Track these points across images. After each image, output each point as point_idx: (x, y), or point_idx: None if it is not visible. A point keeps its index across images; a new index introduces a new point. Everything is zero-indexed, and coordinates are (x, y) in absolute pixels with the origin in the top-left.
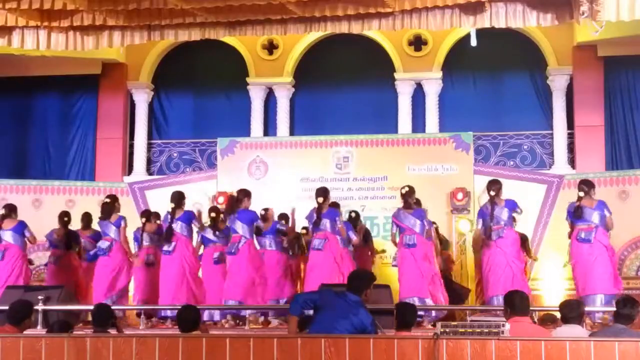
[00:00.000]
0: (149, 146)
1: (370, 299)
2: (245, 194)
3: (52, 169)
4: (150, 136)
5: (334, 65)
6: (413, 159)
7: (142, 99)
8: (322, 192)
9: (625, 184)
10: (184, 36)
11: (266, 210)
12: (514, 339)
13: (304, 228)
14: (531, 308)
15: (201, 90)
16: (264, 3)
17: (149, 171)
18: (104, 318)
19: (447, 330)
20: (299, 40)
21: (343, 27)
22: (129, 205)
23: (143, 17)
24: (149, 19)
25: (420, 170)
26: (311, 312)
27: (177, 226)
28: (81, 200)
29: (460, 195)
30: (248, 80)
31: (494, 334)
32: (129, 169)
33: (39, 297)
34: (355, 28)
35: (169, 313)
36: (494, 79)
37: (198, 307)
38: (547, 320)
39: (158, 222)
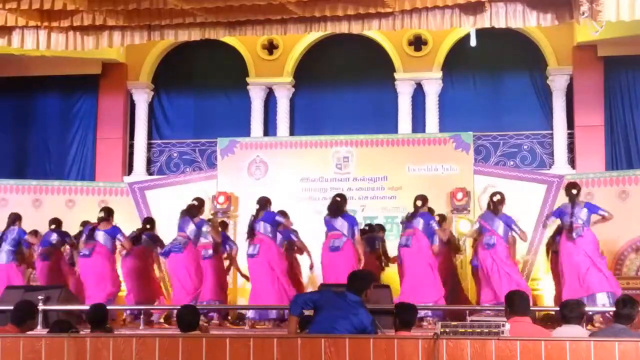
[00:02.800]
0: (149, 146)
1: (371, 299)
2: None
3: (52, 169)
4: (150, 136)
5: (334, 65)
6: (413, 159)
7: (142, 99)
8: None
9: (625, 184)
10: (184, 36)
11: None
12: (514, 339)
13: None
14: (531, 308)
15: (201, 90)
16: (264, 3)
17: (149, 171)
18: (100, 319)
19: (447, 330)
20: (299, 40)
21: (343, 27)
22: (129, 205)
23: (143, 17)
24: (149, 19)
25: (420, 170)
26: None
27: (260, 227)
28: (81, 200)
29: (460, 195)
30: (248, 80)
31: (494, 334)
32: (129, 169)
33: (39, 297)
34: (355, 28)
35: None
36: (494, 79)
37: (198, 306)
38: (547, 320)
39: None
